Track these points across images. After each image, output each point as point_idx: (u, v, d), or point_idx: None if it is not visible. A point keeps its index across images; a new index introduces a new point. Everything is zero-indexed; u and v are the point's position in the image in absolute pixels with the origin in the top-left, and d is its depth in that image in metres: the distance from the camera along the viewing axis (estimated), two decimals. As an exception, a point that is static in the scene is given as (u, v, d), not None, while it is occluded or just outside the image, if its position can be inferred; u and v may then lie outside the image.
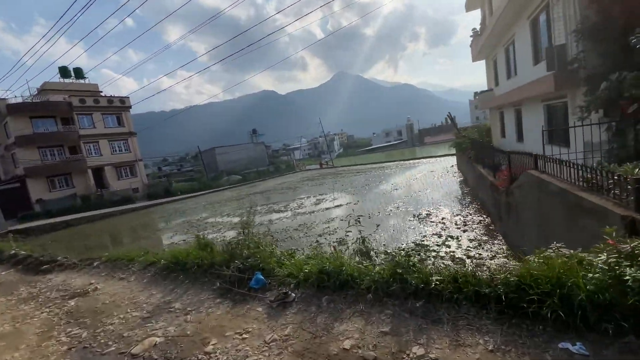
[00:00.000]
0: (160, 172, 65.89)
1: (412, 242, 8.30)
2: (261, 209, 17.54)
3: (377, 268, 3.57)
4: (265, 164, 67.62)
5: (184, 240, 13.03)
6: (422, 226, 9.92)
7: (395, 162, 35.16)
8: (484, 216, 9.99)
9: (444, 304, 2.94)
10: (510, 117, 13.62)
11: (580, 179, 3.79)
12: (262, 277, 4.12)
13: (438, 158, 31.05)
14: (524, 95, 10.23)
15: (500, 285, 2.68)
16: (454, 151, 36.25)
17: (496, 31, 12.85)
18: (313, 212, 14.75)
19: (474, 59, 18.58)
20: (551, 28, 8.29)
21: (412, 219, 10.86)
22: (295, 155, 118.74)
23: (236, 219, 15.64)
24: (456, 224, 9.61)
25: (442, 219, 10.35)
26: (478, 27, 17.50)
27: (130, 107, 35.16)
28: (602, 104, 5.24)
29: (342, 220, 11.98)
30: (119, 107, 34.16)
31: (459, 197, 13.43)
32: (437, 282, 3.01)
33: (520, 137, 12.40)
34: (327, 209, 14.96)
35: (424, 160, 32.57)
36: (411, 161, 33.69)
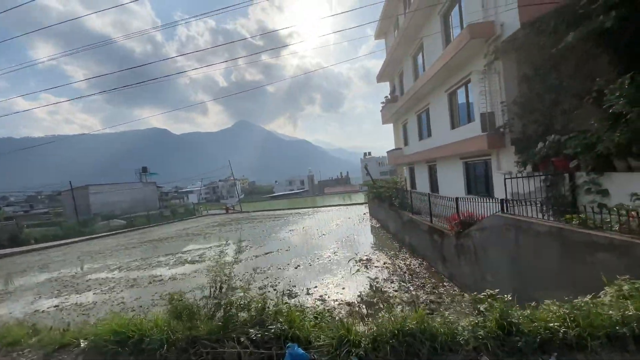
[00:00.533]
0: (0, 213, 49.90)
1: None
2: (168, 259, 14.61)
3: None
4: (156, 207, 59.13)
5: (56, 306, 9.49)
6: (369, 271, 9.80)
7: (307, 209, 35.65)
8: (419, 260, 10.57)
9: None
10: (422, 171, 15.73)
11: (577, 219, 4.28)
12: (301, 351, 2.78)
13: (346, 206, 32.98)
14: (442, 153, 12.05)
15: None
16: (359, 200, 40.34)
17: (410, 102, 15.29)
18: (242, 260, 13.01)
19: (384, 122, 21.44)
20: (468, 99, 10.26)
21: (354, 264, 10.67)
22: (190, 198, 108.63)
23: (136, 273, 12.48)
24: (399, 267, 9.86)
25: (384, 263, 10.51)
26: (383, 98, 20.58)
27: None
28: (539, 160, 6.41)
29: (292, 267, 10.93)
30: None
31: (387, 242, 14.08)
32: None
33: (434, 188, 14.27)
34: (256, 256, 13.48)
35: (334, 207, 33.99)
36: (323, 208, 34.69)
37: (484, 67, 8.44)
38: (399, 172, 20.86)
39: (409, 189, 18.95)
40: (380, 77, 21.01)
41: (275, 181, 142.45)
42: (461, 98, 10.93)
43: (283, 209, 39.80)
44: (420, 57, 14.84)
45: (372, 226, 18.73)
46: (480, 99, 8.77)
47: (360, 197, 55.75)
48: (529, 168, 7.17)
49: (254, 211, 41.29)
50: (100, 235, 28.02)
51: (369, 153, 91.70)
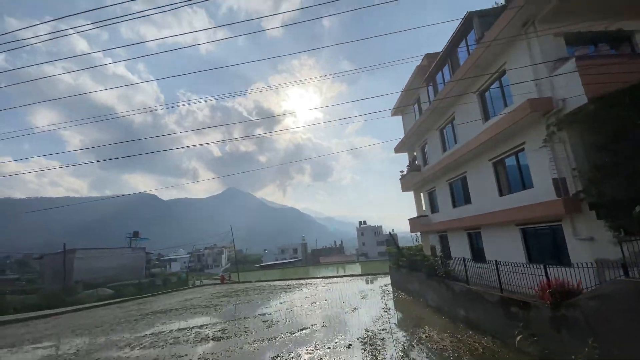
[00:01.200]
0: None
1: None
2: (185, 334, 12.90)
3: None
4: (142, 275, 54.86)
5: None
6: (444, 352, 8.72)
7: (315, 279, 33.69)
8: (488, 336, 9.56)
9: None
10: (459, 238, 15.34)
11: None
12: None
13: (355, 277, 31.34)
14: (489, 220, 11.98)
15: None
16: (356, 271, 38.64)
17: (439, 171, 15.84)
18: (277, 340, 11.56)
19: (404, 190, 21.78)
20: (520, 166, 10.63)
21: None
22: (173, 267, 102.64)
23: (154, 352, 10.78)
24: (472, 347, 8.84)
25: (451, 342, 9.44)
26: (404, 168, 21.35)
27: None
28: (637, 225, 6.33)
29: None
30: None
31: (433, 318, 12.93)
32: None
33: (477, 256, 13.77)
34: (291, 334, 12.01)
35: (342, 278, 32.19)
36: (333, 279, 32.74)
37: (546, 137, 8.95)
38: (424, 240, 20.41)
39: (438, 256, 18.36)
40: (399, 149, 22.07)
41: (265, 250, 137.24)
42: (510, 165, 11.36)
43: (287, 279, 37.46)
44: (448, 130, 15.88)
45: (403, 299, 17.43)
46: (541, 166, 9.10)
47: (357, 268, 53.77)
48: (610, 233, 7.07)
49: (256, 281, 38.66)
50: (88, 305, 25.09)
51: (364, 222, 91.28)
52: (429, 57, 17.57)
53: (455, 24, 13.84)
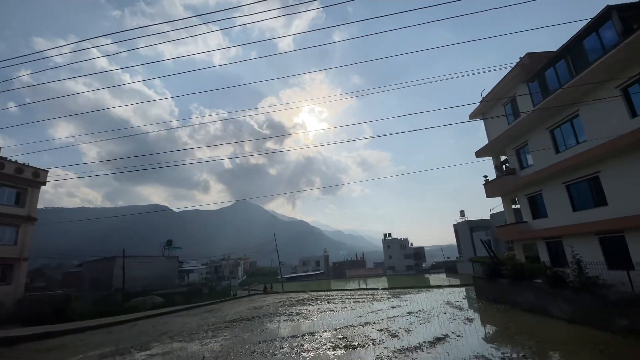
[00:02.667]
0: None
1: None
2: (301, 341, 12.09)
3: None
4: (175, 283, 54.22)
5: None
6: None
7: (356, 291, 32.48)
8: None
9: None
10: (585, 244, 14.23)
11: None
12: None
13: (396, 290, 30.08)
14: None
15: None
16: (381, 284, 37.30)
17: (551, 172, 15.04)
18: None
19: (489, 196, 20.93)
20: None
21: None
22: (191, 277, 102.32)
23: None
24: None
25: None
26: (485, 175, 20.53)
27: (44, 183, 25.48)
28: None
29: None
30: (27, 180, 24.31)
31: (594, 330, 11.75)
32: None
33: (617, 264, 12.72)
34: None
35: (383, 291, 30.88)
36: (376, 291, 31.44)
37: None
38: (517, 249, 19.34)
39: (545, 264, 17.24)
40: (482, 153, 21.34)
41: (281, 262, 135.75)
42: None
43: (327, 290, 36.52)
44: (566, 128, 15.13)
45: (513, 312, 16.13)
46: None
47: (383, 282, 52.34)
48: None
49: (310, 291, 37.63)
50: (154, 313, 24.16)
51: (389, 235, 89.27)
52: (531, 56, 17.06)
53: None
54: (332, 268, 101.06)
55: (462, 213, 64.01)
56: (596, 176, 13.57)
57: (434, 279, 53.96)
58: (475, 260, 21.49)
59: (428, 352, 10.21)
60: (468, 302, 20.14)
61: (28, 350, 13.63)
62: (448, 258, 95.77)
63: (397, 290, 31.28)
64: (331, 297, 28.03)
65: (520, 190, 18.58)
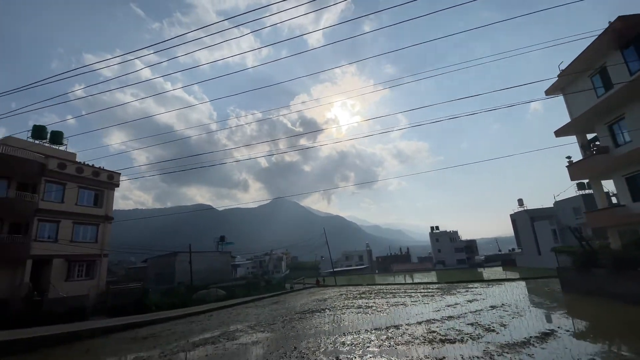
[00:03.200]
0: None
1: None
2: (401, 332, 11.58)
3: None
4: (230, 277, 56.69)
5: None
6: None
7: (414, 285, 31.15)
8: None
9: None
10: None
11: None
12: None
13: (455, 284, 28.37)
14: None
15: None
16: (432, 278, 35.16)
17: None
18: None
19: (574, 178, 18.92)
20: None
21: None
22: (238, 272, 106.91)
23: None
24: None
25: None
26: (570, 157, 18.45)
27: (117, 185, 27.54)
28: None
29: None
30: (103, 182, 26.41)
31: None
32: None
33: None
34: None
35: (438, 285, 29.31)
36: (458, 283, 29.93)
37: None
38: (612, 235, 17.22)
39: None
40: (563, 132, 19.28)
41: (322, 257, 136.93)
42: None
43: (381, 284, 35.70)
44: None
45: (609, 303, 14.42)
46: None
47: (433, 276, 49.87)
48: None
49: (368, 284, 37.26)
50: (226, 305, 25.10)
51: (437, 227, 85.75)
52: (624, 19, 14.88)
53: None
54: (376, 262, 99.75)
55: (520, 202, 59.52)
56: None
57: (490, 272, 50.77)
58: (561, 249, 19.52)
59: (542, 348, 9.24)
60: (554, 295, 18.43)
61: (123, 340, 14.58)
62: (500, 251, 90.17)
63: (458, 284, 29.75)
64: (394, 291, 27.29)
65: (616, 170, 16.44)
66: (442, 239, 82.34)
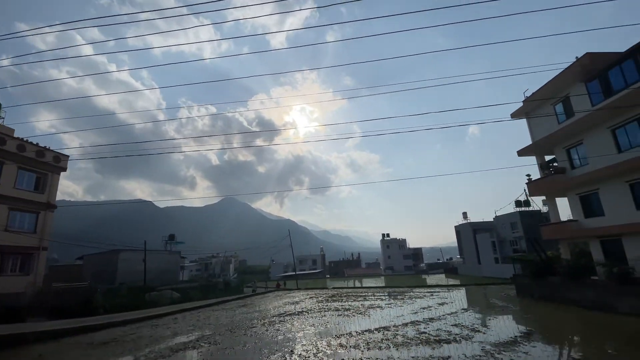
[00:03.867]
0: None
1: None
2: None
3: None
4: (178, 279, 52.68)
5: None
6: None
7: (371, 289, 32.14)
8: None
9: None
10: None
11: None
12: None
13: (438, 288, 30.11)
14: None
15: None
16: (378, 283, 36.99)
17: (612, 172, 15.18)
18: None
19: (532, 195, 21.08)
20: None
21: None
22: (184, 274, 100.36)
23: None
24: None
25: None
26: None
27: (64, 169, 24.06)
28: None
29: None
30: (47, 164, 22.86)
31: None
32: None
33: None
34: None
35: (399, 289, 30.82)
36: (392, 289, 31.33)
37: None
38: (563, 247, 19.43)
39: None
40: (525, 152, 21.44)
41: (272, 260, 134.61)
42: None
43: (340, 288, 36.10)
44: (632, 128, 15.26)
45: (567, 309, 16.19)
46: None
47: (382, 281, 52.33)
48: None
49: (337, 287, 37.03)
50: (190, 307, 22.94)
51: (388, 235, 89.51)
52: (591, 56, 17.16)
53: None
54: (328, 267, 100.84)
55: (464, 215, 64.82)
56: (668, 175, 13.74)
57: (433, 279, 53.91)
58: (516, 258, 21.56)
59: (533, 346, 9.98)
60: (512, 300, 20.16)
61: (79, 345, 12.59)
62: (438, 260, 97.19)
63: (421, 288, 31.18)
64: (361, 294, 27.67)
65: (571, 189, 18.69)
66: (392, 246, 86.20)
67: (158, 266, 48.69)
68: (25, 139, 22.30)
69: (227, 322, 16.49)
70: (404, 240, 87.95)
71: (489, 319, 14.58)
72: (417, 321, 14.46)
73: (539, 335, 11.50)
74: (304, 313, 18.11)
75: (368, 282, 51.83)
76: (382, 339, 11.42)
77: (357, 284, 48.14)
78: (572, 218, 18.98)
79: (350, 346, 10.60)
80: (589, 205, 17.81)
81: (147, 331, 15.06)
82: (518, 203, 52.62)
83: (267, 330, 13.84)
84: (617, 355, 9.06)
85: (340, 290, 33.64)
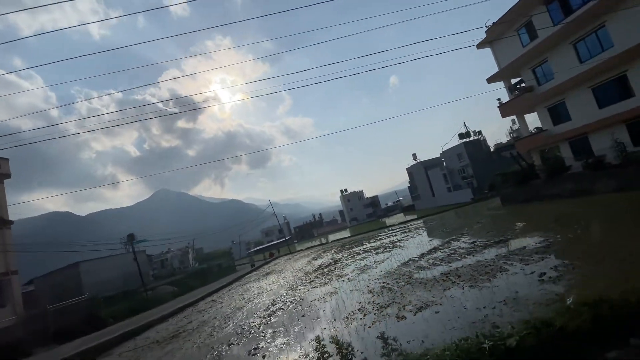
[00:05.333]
0: None
1: None
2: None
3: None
4: (150, 279, 49.02)
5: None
6: None
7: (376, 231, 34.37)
8: None
9: None
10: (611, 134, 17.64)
11: None
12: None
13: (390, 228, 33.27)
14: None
15: None
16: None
17: (578, 80, 17.92)
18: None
19: (505, 115, 23.73)
20: None
21: None
22: None
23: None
24: None
25: None
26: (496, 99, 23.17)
27: (8, 176, 19.52)
28: None
29: None
30: (-16, 173, 18.26)
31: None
32: None
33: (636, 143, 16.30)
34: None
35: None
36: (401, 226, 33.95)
37: None
38: (534, 155, 22.69)
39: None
40: (494, 79, 23.72)
41: (232, 241, 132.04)
42: None
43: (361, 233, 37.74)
44: (591, 40, 17.79)
45: (551, 202, 19.31)
46: None
47: (352, 231, 56.27)
48: None
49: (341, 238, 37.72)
50: (207, 293, 21.70)
51: (346, 190, 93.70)
52: (547, -21, 19.04)
53: None
54: (295, 233, 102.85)
55: (414, 156, 70.47)
56: (624, 75, 16.65)
57: (396, 219, 57.98)
58: (500, 174, 24.69)
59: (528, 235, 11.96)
60: (500, 208, 23.34)
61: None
62: (396, 201, 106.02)
63: (405, 223, 34.00)
64: (365, 238, 29.06)
65: (540, 103, 21.52)
66: (352, 199, 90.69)
67: (125, 270, 44.52)
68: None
69: (275, 289, 16.19)
70: (361, 192, 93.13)
71: (489, 232, 16.82)
72: (444, 257, 16.02)
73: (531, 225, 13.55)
74: (342, 260, 18.67)
75: (338, 235, 54.58)
76: (448, 254, 12.52)
77: (332, 239, 50.35)
78: (541, 128, 22.15)
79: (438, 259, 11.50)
80: (557, 114, 20.89)
81: (197, 316, 14.19)
82: (461, 135, 58.81)
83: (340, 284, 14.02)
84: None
85: (342, 240, 34.96)
